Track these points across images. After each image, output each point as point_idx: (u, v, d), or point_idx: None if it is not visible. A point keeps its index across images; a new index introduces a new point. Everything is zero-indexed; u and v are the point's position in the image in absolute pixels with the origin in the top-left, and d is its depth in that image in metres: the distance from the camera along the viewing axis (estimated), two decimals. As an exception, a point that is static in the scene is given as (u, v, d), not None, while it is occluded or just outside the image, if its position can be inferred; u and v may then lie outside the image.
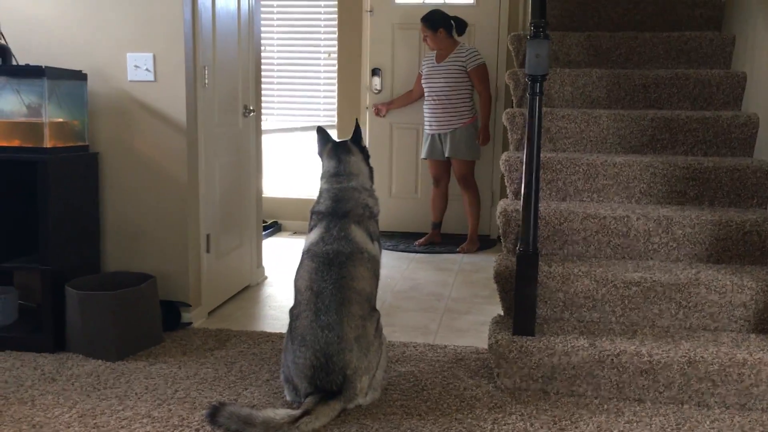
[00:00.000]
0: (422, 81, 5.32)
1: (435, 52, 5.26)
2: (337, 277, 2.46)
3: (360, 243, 2.56)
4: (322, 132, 2.86)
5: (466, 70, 5.16)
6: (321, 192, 2.74)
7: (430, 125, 5.31)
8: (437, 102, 5.22)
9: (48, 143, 3.02)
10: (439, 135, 5.27)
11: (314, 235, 2.61)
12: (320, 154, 2.85)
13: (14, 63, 3.17)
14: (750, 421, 2.44)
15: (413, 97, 5.62)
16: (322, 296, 2.44)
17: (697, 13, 4.14)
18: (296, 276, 2.59)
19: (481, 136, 5.22)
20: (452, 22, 5.20)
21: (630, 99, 3.73)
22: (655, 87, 3.69)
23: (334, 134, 6.09)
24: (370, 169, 2.85)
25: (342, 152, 2.78)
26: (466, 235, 5.41)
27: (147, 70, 3.26)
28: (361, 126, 2.90)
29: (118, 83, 3.30)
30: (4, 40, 3.16)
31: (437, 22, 5.14)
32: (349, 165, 2.76)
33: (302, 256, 2.60)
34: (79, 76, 3.22)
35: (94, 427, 2.32)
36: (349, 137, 2.86)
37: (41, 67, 2.99)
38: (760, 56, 3.49)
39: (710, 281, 2.75)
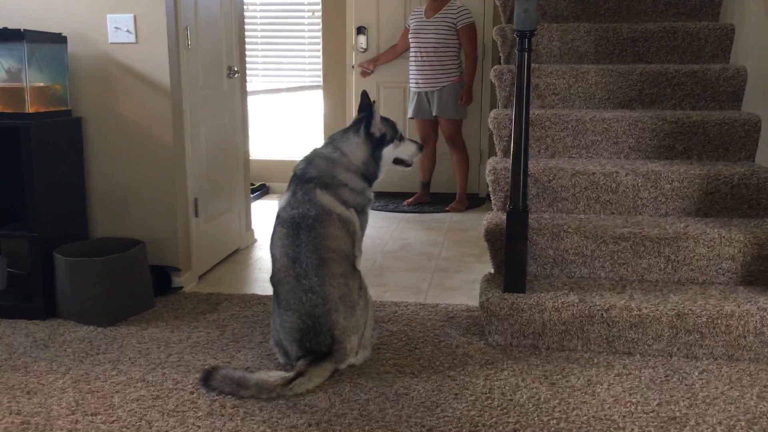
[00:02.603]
0: (409, 36, 5.25)
1: (424, 6, 5.19)
2: (308, 240, 2.43)
3: (326, 205, 2.48)
4: (364, 96, 2.69)
5: (455, 28, 5.10)
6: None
7: (416, 82, 5.25)
8: (425, 58, 5.16)
9: (30, 108, 2.97)
10: (426, 93, 5.23)
11: (283, 199, 2.56)
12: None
13: (-9, 27, 3.10)
14: (738, 371, 2.48)
15: (398, 51, 5.55)
16: (299, 261, 2.42)
17: (685, -36, 4.09)
18: (271, 243, 2.55)
19: (464, 97, 5.18)
20: None
21: (618, 53, 3.70)
22: (643, 41, 3.66)
23: (318, 95, 6.03)
24: (375, 157, 2.64)
25: (353, 127, 2.65)
26: (455, 194, 5.41)
27: (128, 31, 3.19)
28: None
29: (99, 46, 3.23)
30: (-20, 3, 3.09)
31: None
32: (346, 142, 2.62)
33: (275, 221, 2.57)
34: (59, 39, 3.15)
35: (88, 393, 2.33)
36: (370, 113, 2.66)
37: (20, 30, 2.93)
38: (749, 7, 3.46)
39: (699, 235, 2.76)
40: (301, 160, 2.64)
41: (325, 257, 2.43)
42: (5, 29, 3.02)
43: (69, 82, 3.22)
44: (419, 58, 5.19)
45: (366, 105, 2.66)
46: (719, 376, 2.45)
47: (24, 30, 2.93)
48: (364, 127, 2.62)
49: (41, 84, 3.07)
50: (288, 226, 2.48)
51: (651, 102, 3.46)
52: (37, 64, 3.02)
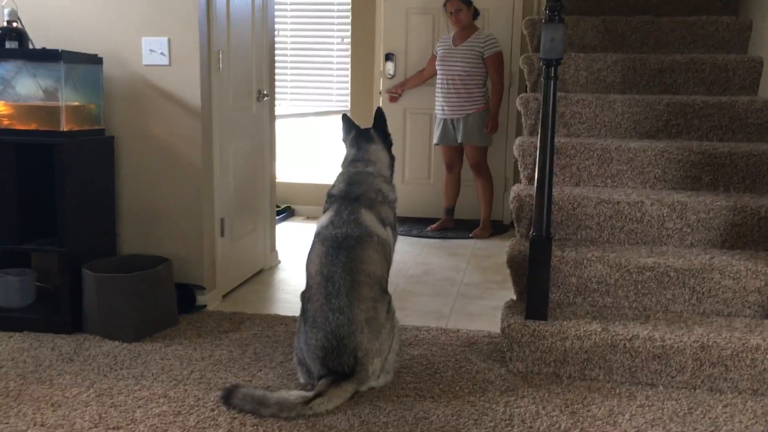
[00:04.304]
0: (437, 63, 5.30)
1: (452, 34, 5.24)
2: (346, 261, 2.47)
3: (370, 227, 2.56)
4: (346, 119, 2.92)
5: (482, 56, 5.14)
6: (337, 175, 2.77)
7: (442, 109, 5.29)
8: (451, 85, 5.20)
9: (65, 127, 3.05)
10: (452, 120, 5.26)
11: (325, 218, 2.63)
12: (344, 140, 2.91)
13: (31, 47, 3.19)
14: (762, 406, 2.44)
15: (425, 76, 5.60)
16: (332, 280, 2.45)
17: (714, -4, 4.11)
18: (307, 260, 2.60)
19: (490, 125, 5.20)
20: None
21: (645, 84, 3.70)
22: (670, 72, 3.67)
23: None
24: (391, 158, 2.89)
25: (363, 140, 2.84)
26: (479, 220, 5.41)
27: (162, 54, 3.27)
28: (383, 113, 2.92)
29: (133, 67, 3.32)
30: (21, 24, 3.18)
31: None
32: (368, 152, 2.80)
33: (313, 239, 2.62)
34: (95, 60, 3.24)
35: (111, 407, 2.36)
36: (372, 125, 2.90)
37: (58, 51, 3.02)
38: (778, 41, 3.46)
39: (724, 267, 2.74)
40: (338, 182, 2.72)
41: (358, 280, 2.46)
42: (44, 50, 3.11)
43: (103, 102, 3.30)
44: (446, 86, 5.23)
45: (381, 120, 2.88)
46: (743, 410, 2.41)
47: (61, 51, 3.01)
48: (385, 135, 2.87)
49: (76, 103, 3.15)
50: (328, 245, 2.52)
51: (678, 133, 3.45)
52: (73, 84, 3.10)
